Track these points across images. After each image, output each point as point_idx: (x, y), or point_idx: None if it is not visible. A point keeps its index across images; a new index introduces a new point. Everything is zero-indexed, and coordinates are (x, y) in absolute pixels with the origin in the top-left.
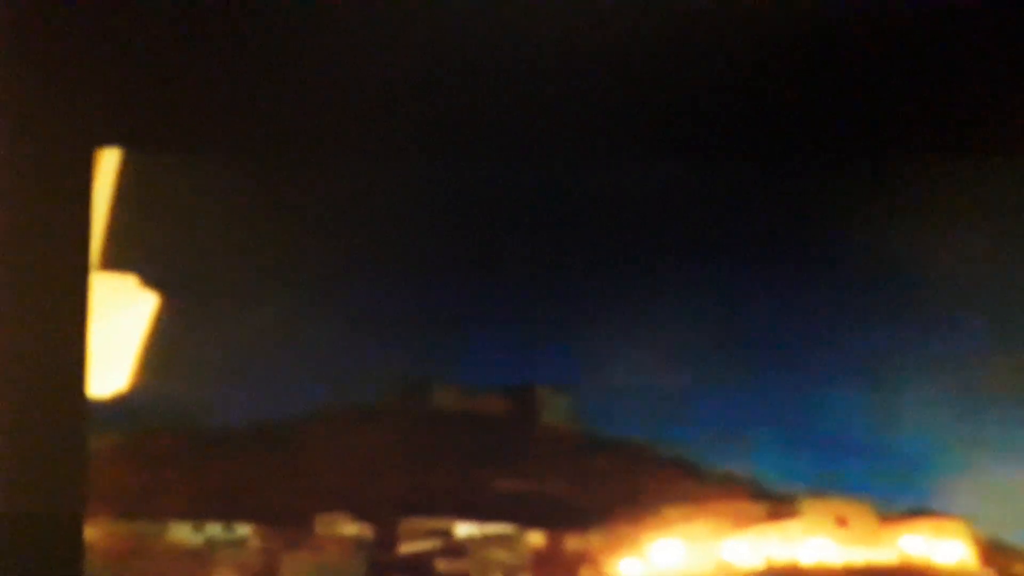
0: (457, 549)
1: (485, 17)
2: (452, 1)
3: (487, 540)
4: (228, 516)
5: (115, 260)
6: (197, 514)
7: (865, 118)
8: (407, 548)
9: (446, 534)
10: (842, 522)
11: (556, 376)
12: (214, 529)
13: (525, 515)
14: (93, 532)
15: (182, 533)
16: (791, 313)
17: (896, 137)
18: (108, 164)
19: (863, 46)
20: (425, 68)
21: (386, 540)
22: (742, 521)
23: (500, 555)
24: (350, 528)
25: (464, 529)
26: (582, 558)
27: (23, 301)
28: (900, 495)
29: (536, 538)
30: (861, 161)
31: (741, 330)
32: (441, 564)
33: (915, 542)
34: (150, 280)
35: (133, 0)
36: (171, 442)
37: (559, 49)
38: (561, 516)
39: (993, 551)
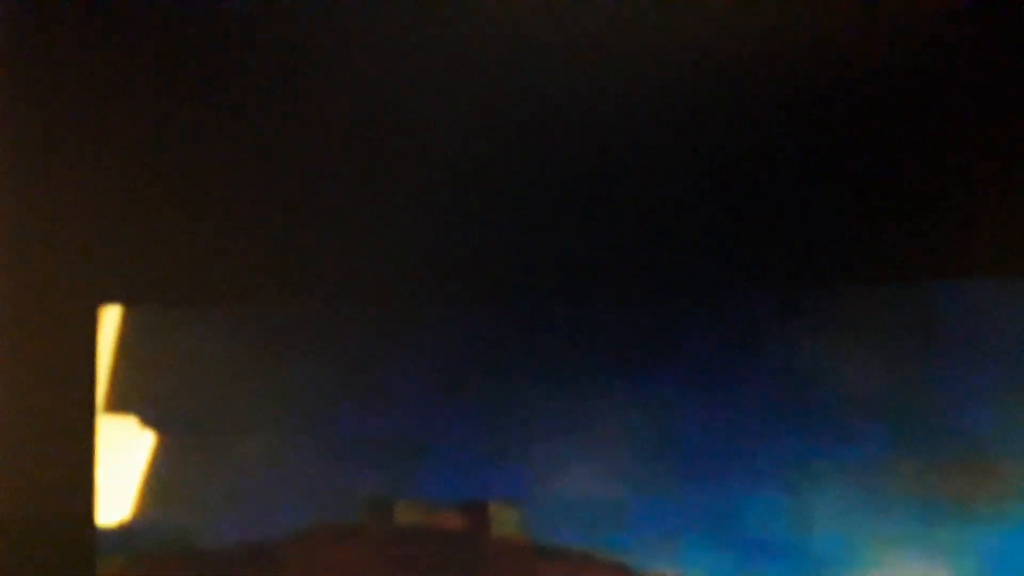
0: None
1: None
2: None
3: None
4: None
5: (117, 403)
6: None
7: (772, 253)
8: None
9: None
10: None
11: (507, 491)
12: None
13: None
14: None
15: None
16: (714, 430)
17: (800, 269)
18: (110, 319)
19: (760, 184)
20: (383, 223)
21: None
22: None
23: None
24: None
25: None
26: None
27: (38, 445)
28: None
29: None
30: (770, 294)
31: (671, 446)
32: None
33: None
34: (148, 421)
35: (127, 168)
36: (168, 563)
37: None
38: None
39: None
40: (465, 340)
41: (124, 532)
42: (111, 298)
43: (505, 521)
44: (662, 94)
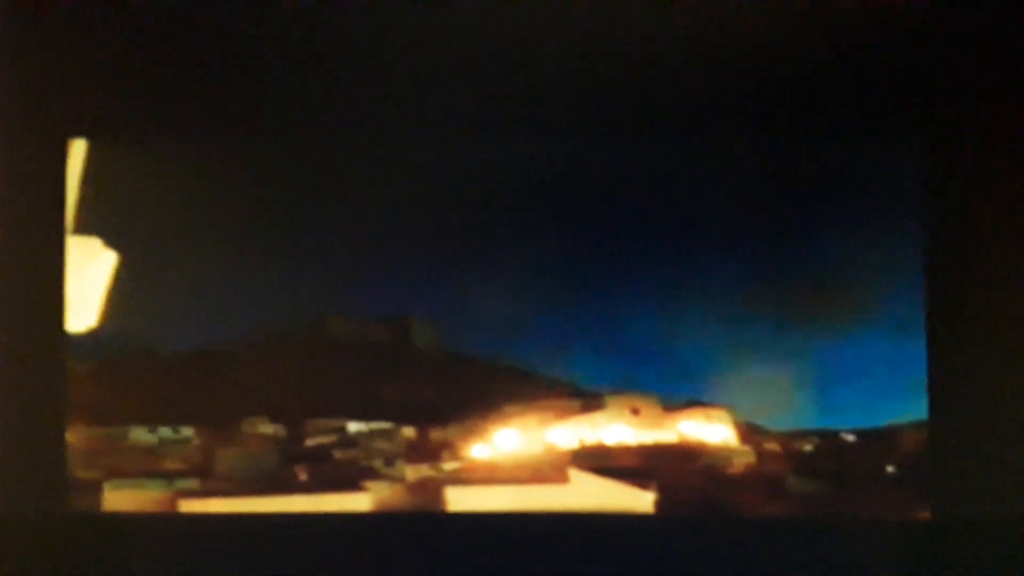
0: (350, 442)
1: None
2: None
3: (372, 434)
4: (175, 421)
5: (83, 226)
6: (151, 420)
7: (653, 102)
8: (311, 442)
9: (341, 431)
10: (636, 412)
11: (424, 308)
12: (164, 431)
13: (401, 415)
14: (72, 436)
15: (140, 435)
16: (601, 256)
17: (679, 118)
18: (77, 151)
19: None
20: (333, 51)
21: (295, 436)
22: (562, 414)
23: (382, 445)
24: (268, 428)
25: (355, 427)
26: (444, 446)
27: (13, 259)
28: (679, 391)
29: (409, 432)
30: (649, 140)
31: (562, 269)
32: (338, 453)
33: (691, 426)
34: (112, 241)
35: (97, 15)
36: (130, 365)
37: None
38: (428, 415)
39: (750, 432)
40: (393, 175)
41: (91, 339)
42: (78, 132)
43: (423, 334)
44: None
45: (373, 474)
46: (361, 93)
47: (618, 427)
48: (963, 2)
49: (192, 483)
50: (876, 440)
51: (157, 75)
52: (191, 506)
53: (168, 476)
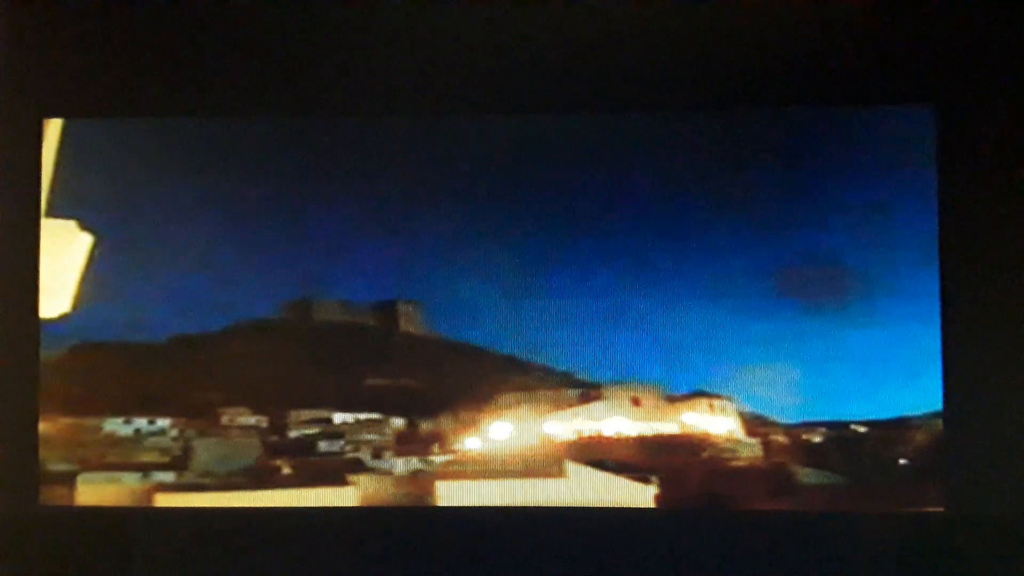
0: (335, 433)
1: None
2: None
3: (359, 426)
4: (151, 412)
5: (58, 208)
6: (127, 411)
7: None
8: (295, 433)
9: (326, 422)
10: (636, 402)
11: (413, 293)
12: (140, 422)
13: (389, 405)
14: (44, 427)
15: (115, 426)
16: (600, 239)
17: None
18: (53, 131)
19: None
20: (316, 30)
21: (278, 428)
22: (558, 404)
23: (369, 437)
24: (249, 419)
25: (340, 417)
26: (434, 438)
27: None
28: (682, 380)
29: (398, 423)
30: (649, 120)
31: (554, 260)
32: (322, 445)
33: (694, 417)
34: (87, 224)
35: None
36: (105, 353)
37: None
38: (417, 405)
39: (756, 424)
40: (381, 155)
41: (65, 325)
42: (54, 111)
43: (411, 320)
44: None
45: (360, 467)
46: (346, 73)
47: (617, 418)
48: None
49: (169, 476)
50: (888, 432)
51: (135, 53)
52: (168, 500)
53: (144, 469)
